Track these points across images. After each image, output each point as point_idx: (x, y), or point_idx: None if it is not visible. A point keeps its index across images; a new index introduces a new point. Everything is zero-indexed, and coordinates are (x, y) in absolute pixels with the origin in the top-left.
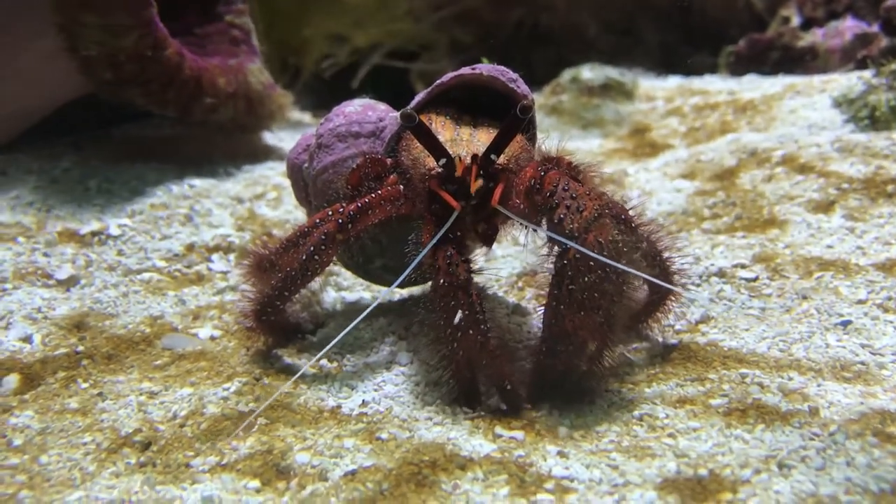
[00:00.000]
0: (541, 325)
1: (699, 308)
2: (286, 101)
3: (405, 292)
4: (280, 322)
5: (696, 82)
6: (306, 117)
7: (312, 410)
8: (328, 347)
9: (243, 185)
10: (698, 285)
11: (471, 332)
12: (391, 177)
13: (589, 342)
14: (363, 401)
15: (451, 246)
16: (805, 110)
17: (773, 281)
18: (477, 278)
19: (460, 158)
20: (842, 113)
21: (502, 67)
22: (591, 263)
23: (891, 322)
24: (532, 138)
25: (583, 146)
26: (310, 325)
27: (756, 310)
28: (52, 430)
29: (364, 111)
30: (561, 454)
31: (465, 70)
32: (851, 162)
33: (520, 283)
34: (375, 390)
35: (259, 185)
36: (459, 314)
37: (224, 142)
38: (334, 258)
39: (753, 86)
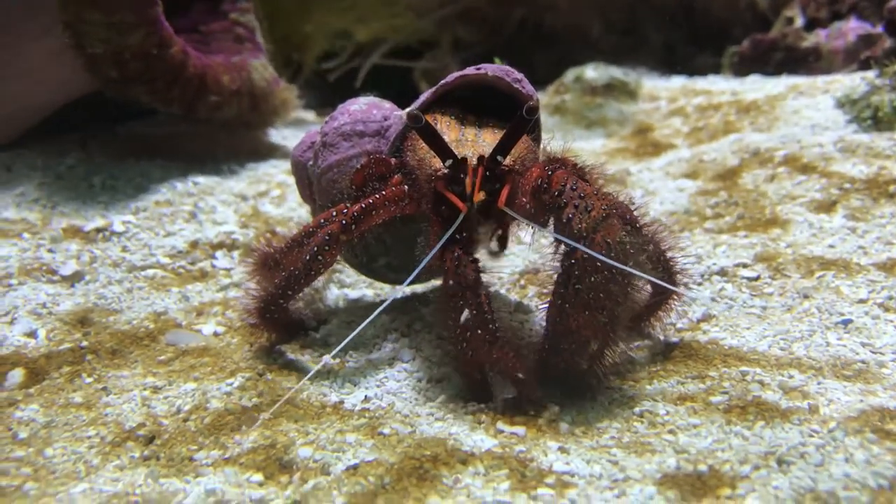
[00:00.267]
0: (542, 323)
1: (701, 307)
2: (290, 95)
3: (408, 290)
4: (284, 319)
5: (700, 82)
6: (310, 115)
7: (315, 406)
8: (344, 342)
9: (247, 183)
10: (700, 284)
11: (479, 331)
12: (396, 177)
13: (591, 341)
14: (365, 396)
15: (458, 247)
16: (808, 111)
17: (775, 280)
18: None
19: (467, 160)
20: (845, 113)
21: (507, 67)
22: (599, 264)
23: (891, 321)
24: (537, 139)
25: (586, 146)
26: (313, 322)
27: (757, 308)
28: (57, 423)
29: (369, 110)
30: (562, 450)
31: (470, 70)
32: (854, 162)
33: (522, 282)
34: (378, 386)
35: (263, 182)
36: (467, 313)
37: (228, 139)
38: (338, 256)
39: (757, 86)
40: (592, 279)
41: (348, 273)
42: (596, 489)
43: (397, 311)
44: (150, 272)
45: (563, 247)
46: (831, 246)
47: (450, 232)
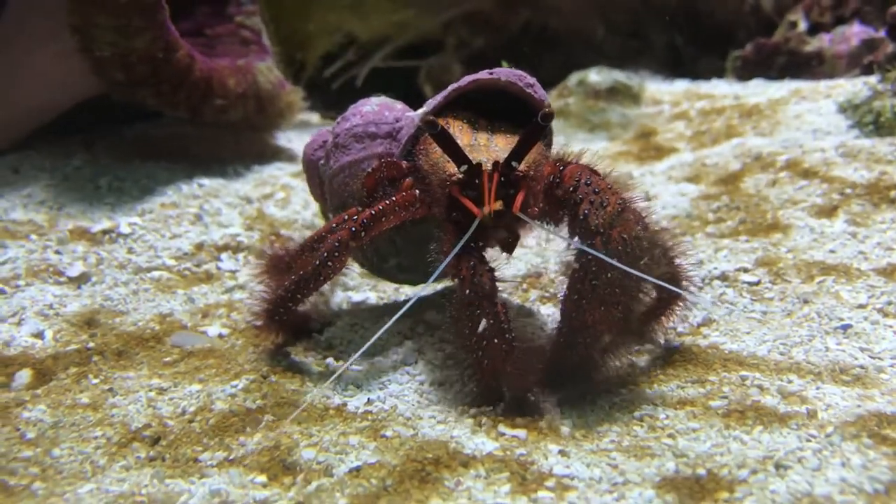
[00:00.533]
0: (545, 327)
1: (701, 311)
2: (296, 97)
3: (411, 292)
4: (290, 322)
5: (703, 86)
6: (314, 118)
7: (318, 408)
8: (364, 349)
9: (252, 185)
10: (701, 288)
11: (496, 340)
12: (407, 180)
13: (605, 336)
14: (368, 399)
15: (473, 255)
16: (810, 115)
17: (775, 285)
18: None
19: (482, 166)
20: (847, 118)
21: (520, 72)
22: (616, 260)
23: (890, 326)
24: (549, 144)
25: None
26: (317, 325)
27: (757, 313)
28: (64, 424)
29: (381, 111)
30: (562, 453)
31: (483, 74)
32: (855, 167)
33: (524, 285)
34: (381, 389)
35: (268, 185)
36: (484, 323)
37: (233, 142)
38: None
39: (759, 90)
40: (609, 275)
41: (352, 276)
42: (595, 492)
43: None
44: (156, 274)
45: (577, 241)
46: (832, 251)
47: (465, 238)
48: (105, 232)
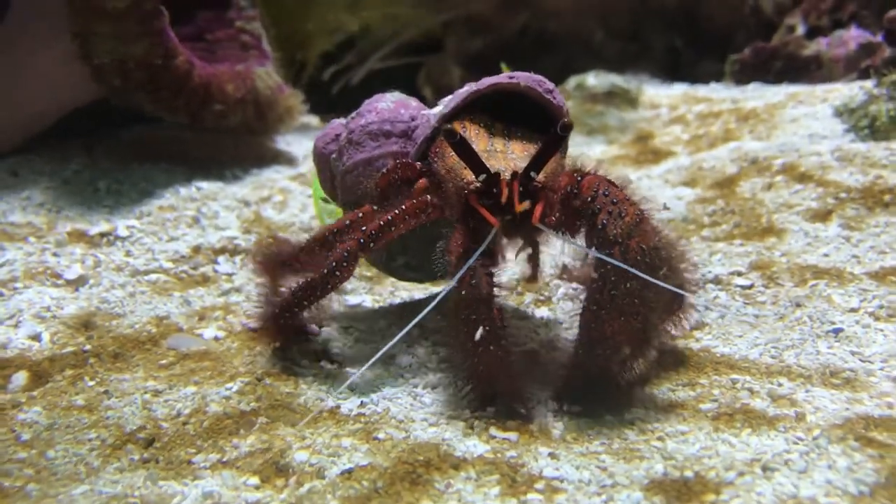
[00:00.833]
0: (537, 329)
1: (694, 314)
2: (296, 101)
3: (406, 296)
4: (293, 326)
5: (701, 90)
6: (314, 121)
7: (312, 410)
8: (377, 356)
9: (250, 189)
10: (694, 292)
11: (492, 347)
12: (421, 181)
13: (624, 347)
14: (361, 402)
15: (477, 259)
16: (806, 119)
17: (768, 288)
18: None
19: (501, 176)
20: (843, 122)
21: (539, 77)
22: (637, 271)
23: (881, 330)
24: (564, 151)
25: (587, 153)
26: (314, 328)
27: (750, 317)
28: (59, 425)
29: (396, 108)
30: (552, 455)
31: (503, 78)
32: (850, 171)
33: (519, 289)
34: (373, 391)
35: (265, 188)
36: (481, 330)
37: (232, 145)
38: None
39: (757, 94)
40: (628, 285)
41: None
42: (584, 494)
43: (394, 315)
44: (153, 276)
45: (594, 251)
46: (825, 255)
47: (481, 248)
48: (103, 234)
